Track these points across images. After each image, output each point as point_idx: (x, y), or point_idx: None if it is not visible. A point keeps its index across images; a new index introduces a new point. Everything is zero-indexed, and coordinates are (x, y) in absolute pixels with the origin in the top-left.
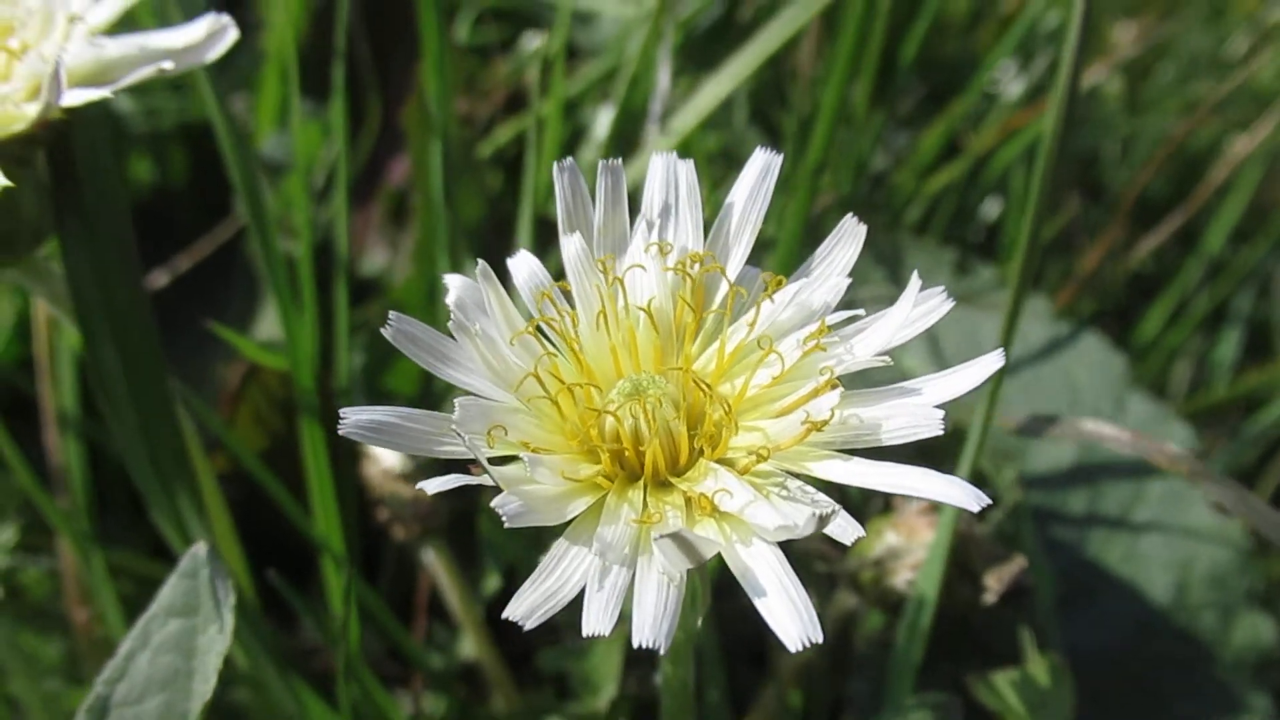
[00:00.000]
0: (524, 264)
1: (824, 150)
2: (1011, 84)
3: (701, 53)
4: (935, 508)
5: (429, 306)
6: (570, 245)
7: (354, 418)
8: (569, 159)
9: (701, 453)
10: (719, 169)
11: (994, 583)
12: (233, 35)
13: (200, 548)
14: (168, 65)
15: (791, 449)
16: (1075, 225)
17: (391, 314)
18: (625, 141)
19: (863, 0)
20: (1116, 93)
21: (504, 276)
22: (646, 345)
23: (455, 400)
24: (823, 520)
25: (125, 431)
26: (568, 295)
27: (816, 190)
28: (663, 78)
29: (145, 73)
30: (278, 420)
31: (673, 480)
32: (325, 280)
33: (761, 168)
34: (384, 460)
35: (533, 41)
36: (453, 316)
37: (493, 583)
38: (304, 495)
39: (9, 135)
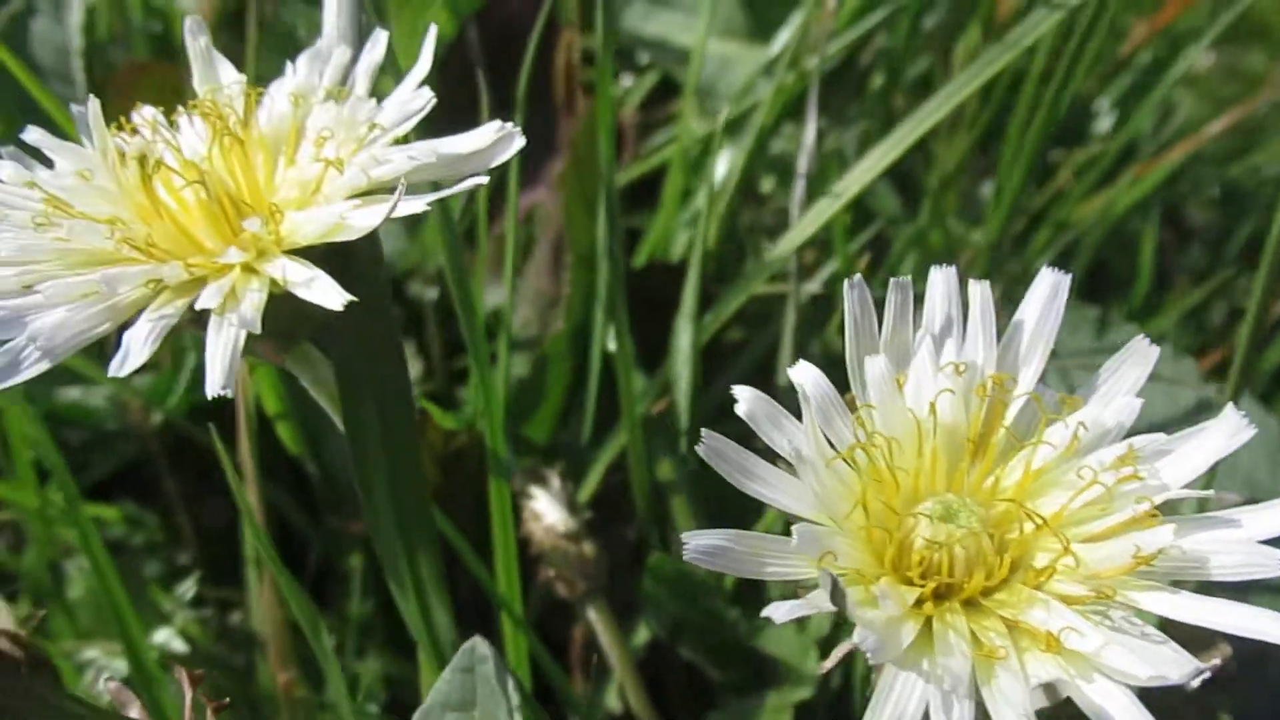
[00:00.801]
0: (809, 376)
1: (1006, 217)
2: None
3: (824, 99)
4: None
5: (576, 359)
6: (875, 366)
7: (694, 543)
8: (857, 276)
9: (1009, 574)
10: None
11: None
12: (519, 142)
13: (480, 644)
14: (462, 171)
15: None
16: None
17: (704, 432)
18: (747, 190)
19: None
20: None
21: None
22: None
23: (794, 528)
24: (1200, 674)
25: (381, 520)
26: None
27: (960, 245)
28: (809, 132)
29: (440, 177)
30: (435, 474)
31: (984, 602)
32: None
33: (1051, 286)
34: (547, 517)
35: (627, 82)
36: (759, 431)
37: (641, 636)
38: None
39: (324, 242)
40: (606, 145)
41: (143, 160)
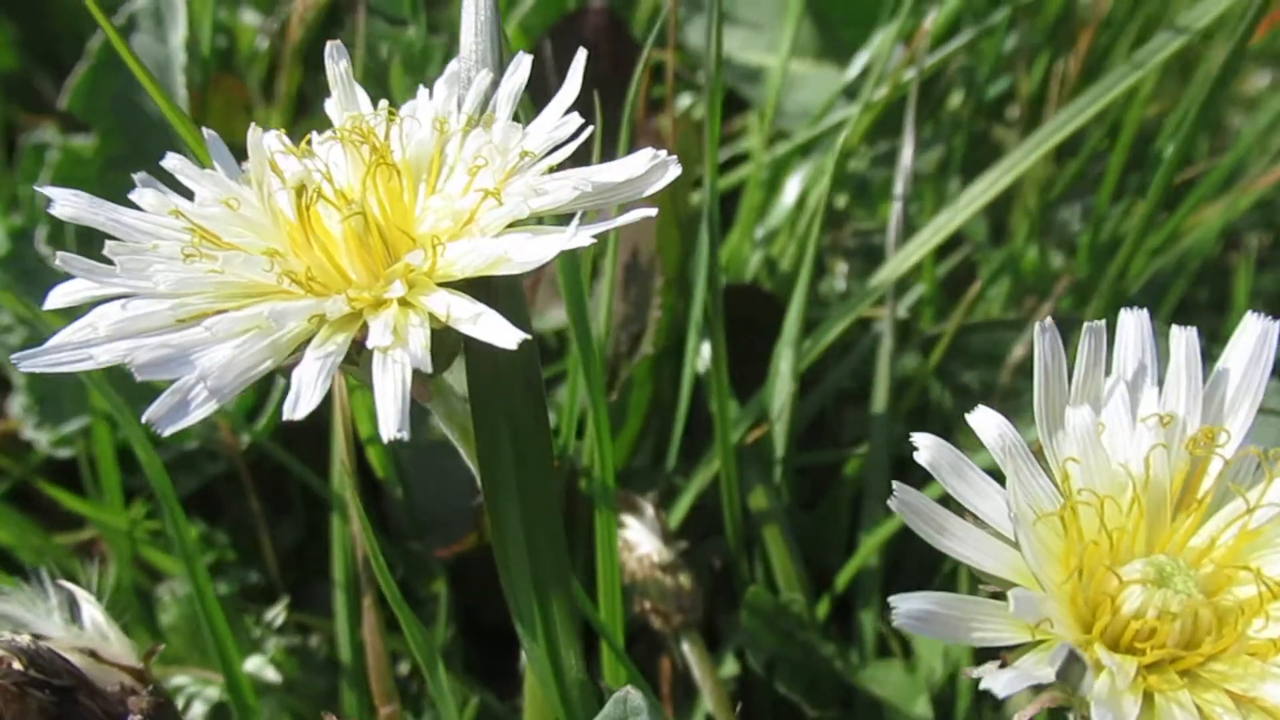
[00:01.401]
0: (992, 422)
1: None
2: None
3: (887, 125)
4: None
5: (662, 383)
6: (1079, 418)
7: (903, 607)
8: (1048, 320)
9: (1231, 642)
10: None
11: None
12: (675, 170)
13: (633, 693)
14: (613, 200)
15: None
16: None
17: (896, 485)
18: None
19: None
20: None
21: None
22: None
23: (1011, 594)
24: None
25: (511, 556)
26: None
27: (1054, 277)
28: (905, 154)
29: (592, 206)
30: None
31: (1203, 673)
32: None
33: (1258, 335)
34: (641, 547)
35: (687, 102)
36: (942, 482)
37: (729, 668)
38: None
39: (489, 275)
40: (712, 171)
41: (301, 190)
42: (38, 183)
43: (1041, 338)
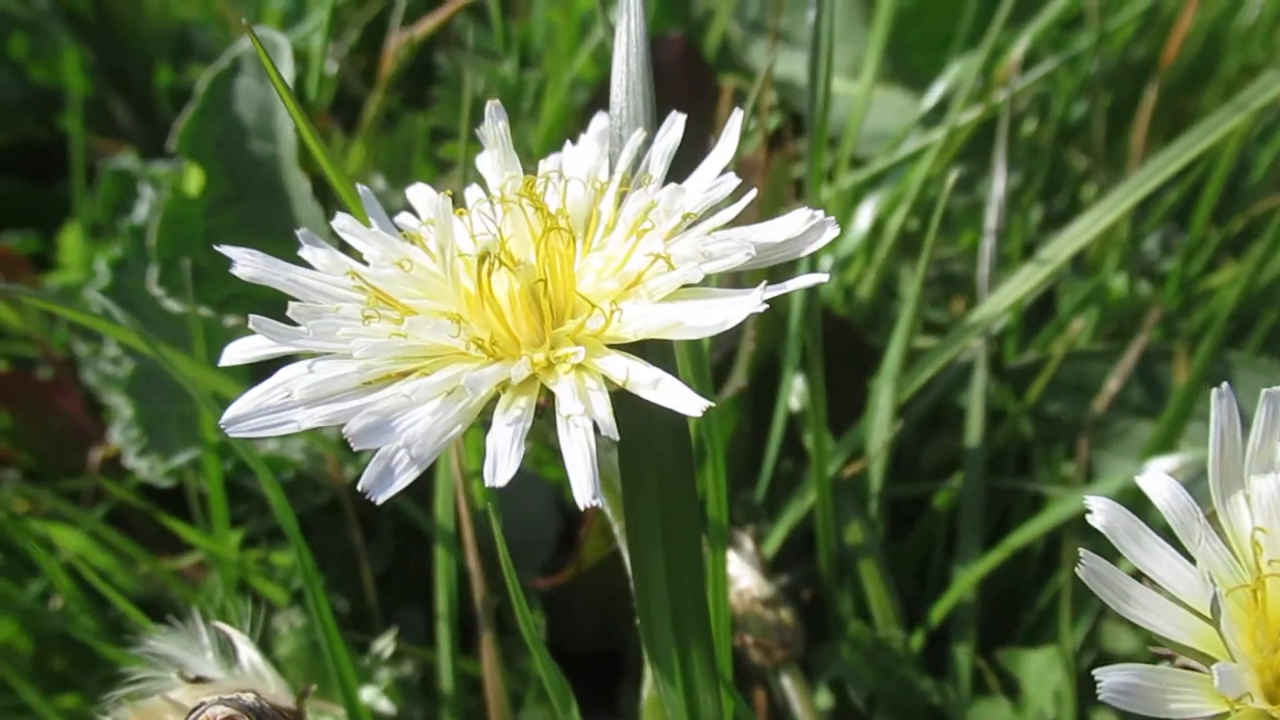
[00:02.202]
0: (1164, 485)
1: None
2: None
3: (970, 147)
4: None
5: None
6: (1267, 486)
7: (1109, 680)
8: (1225, 385)
9: None
10: None
11: None
12: (833, 231)
13: None
14: (771, 260)
15: None
16: None
17: (1083, 553)
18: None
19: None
20: None
21: None
22: None
23: (1214, 668)
24: None
25: (652, 599)
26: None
27: (1139, 308)
28: (998, 185)
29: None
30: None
31: None
32: None
33: None
34: (742, 581)
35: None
36: (1119, 546)
37: (823, 699)
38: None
39: (653, 339)
40: (815, 201)
41: (484, 257)
42: (140, 218)
43: (1219, 403)
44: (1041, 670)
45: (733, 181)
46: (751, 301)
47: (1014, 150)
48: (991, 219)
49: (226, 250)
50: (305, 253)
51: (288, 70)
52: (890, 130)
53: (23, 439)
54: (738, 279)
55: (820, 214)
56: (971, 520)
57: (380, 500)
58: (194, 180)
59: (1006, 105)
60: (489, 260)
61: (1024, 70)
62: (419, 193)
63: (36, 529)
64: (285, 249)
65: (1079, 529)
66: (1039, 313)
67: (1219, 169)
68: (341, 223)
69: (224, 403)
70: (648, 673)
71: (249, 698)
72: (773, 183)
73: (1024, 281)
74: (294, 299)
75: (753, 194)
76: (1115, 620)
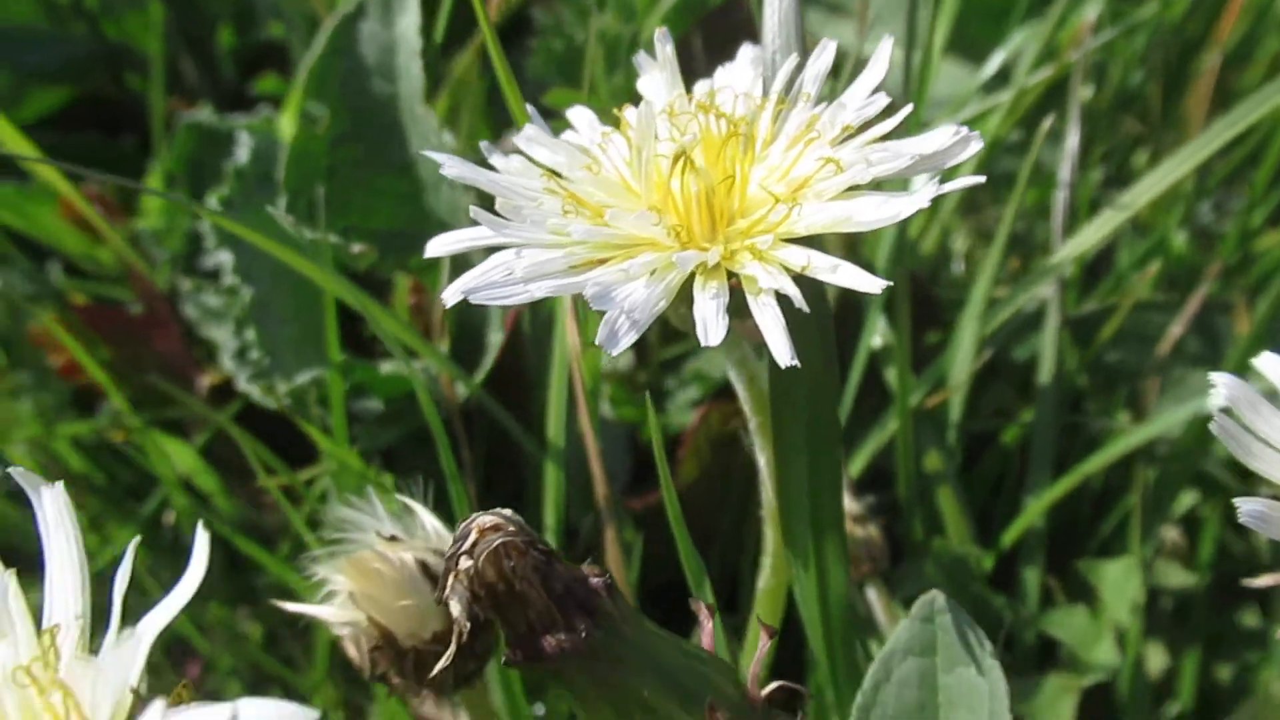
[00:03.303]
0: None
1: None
2: None
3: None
4: None
5: None
6: None
7: (1246, 507)
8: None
9: None
10: None
11: None
12: (977, 145)
13: (939, 596)
14: (920, 171)
15: None
16: None
17: (1218, 396)
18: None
19: None
20: None
21: None
22: None
23: None
24: None
25: (794, 504)
26: None
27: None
28: (1071, 140)
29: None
30: (708, 455)
31: None
32: None
33: None
34: None
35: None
36: (1242, 416)
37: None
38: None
39: (827, 233)
40: None
41: (679, 155)
42: (242, 160)
43: None
44: (1119, 579)
45: (884, 100)
46: (921, 198)
47: (1063, 119)
48: (1065, 171)
49: (435, 155)
50: (498, 160)
51: (409, 18)
52: (949, 98)
53: (120, 372)
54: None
55: (965, 130)
56: (1043, 451)
57: (615, 352)
58: (320, 118)
59: (1079, 63)
60: (682, 160)
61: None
62: (579, 114)
63: (156, 442)
64: (403, 182)
65: (1145, 458)
66: (1092, 274)
67: None
68: (529, 132)
69: (352, 320)
70: (765, 565)
71: (509, 512)
72: None
73: (1104, 225)
74: (496, 198)
75: (908, 109)
76: (1167, 557)
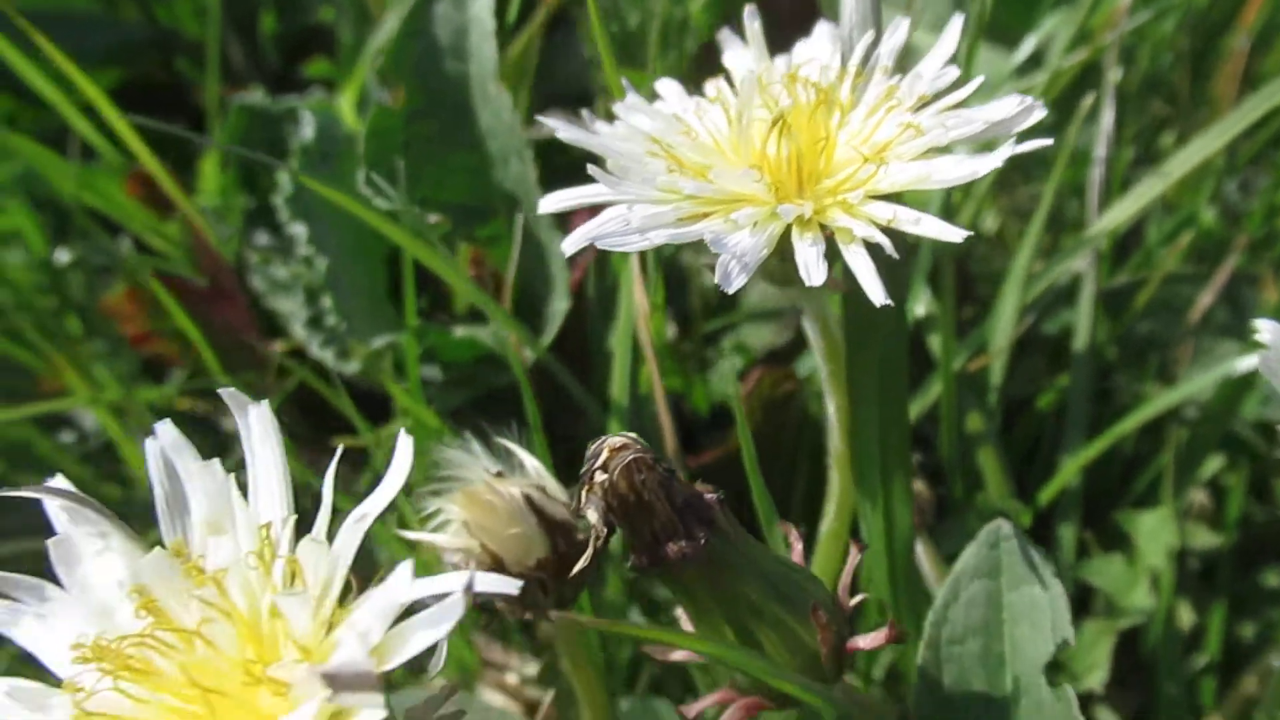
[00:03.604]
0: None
1: None
2: None
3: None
4: None
5: None
6: None
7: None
8: None
9: None
10: None
11: None
12: (1040, 113)
13: (1004, 524)
14: (988, 138)
15: None
16: None
17: (1260, 333)
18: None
19: None
20: None
21: None
22: None
23: None
24: None
25: (865, 444)
26: None
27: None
28: (1106, 118)
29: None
30: (760, 417)
31: None
32: None
33: None
34: None
35: None
36: None
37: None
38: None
39: (907, 191)
40: None
41: (778, 119)
42: (308, 138)
43: None
44: (1154, 527)
45: (955, 72)
46: (997, 158)
47: (1103, 96)
48: (1101, 148)
49: (547, 120)
50: (601, 127)
51: (482, 1)
52: (984, 83)
53: (186, 342)
54: None
55: (1029, 99)
56: (1078, 413)
57: (731, 290)
58: (397, 96)
59: (1114, 43)
60: (780, 123)
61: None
62: (668, 86)
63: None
64: (472, 157)
65: (1175, 422)
66: (1121, 251)
67: None
68: (630, 101)
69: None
70: (829, 510)
71: (633, 435)
72: None
73: (1141, 196)
74: (603, 159)
75: (979, 80)
76: (1195, 520)
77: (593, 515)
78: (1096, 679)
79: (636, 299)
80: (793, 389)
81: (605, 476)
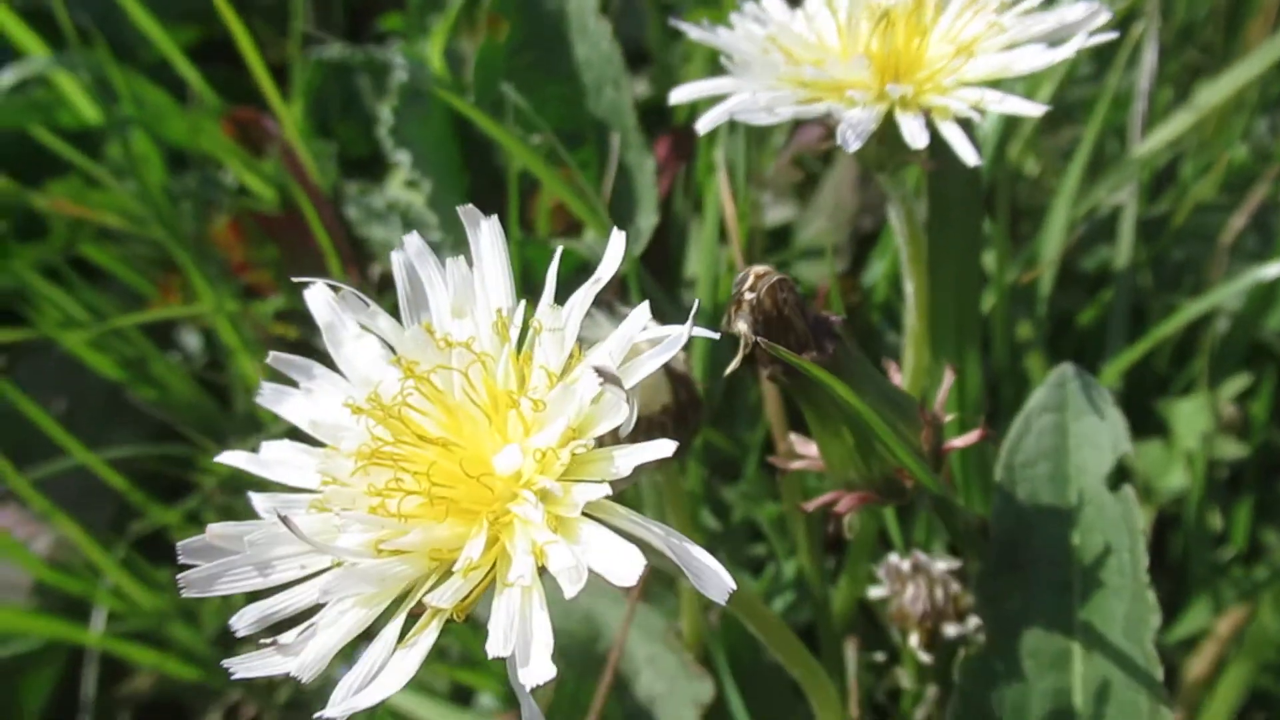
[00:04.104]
0: None
1: None
2: None
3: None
4: None
5: None
6: None
7: None
8: None
9: None
10: None
11: None
12: (1105, 15)
13: (1068, 368)
14: (1059, 36)
15: None
16: None
17: None
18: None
19: None
20: None
21: None
22: None
23: None
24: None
25: (941, 310)
26: None
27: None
28: (1149, 54)
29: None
30: None
31: None
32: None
33: None
34: None
35: None
36: None
37: None
38: None
39: (989, 80)
40: None
41: (883, 16)
42: (403, 78)
43: None
44: (1191, 414)
45: None
46: (1070, 48)
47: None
48: (1145, 82)
49: (682, 25)
50: (722, 30)
51: None
52: None
53: (286, 270)
54: None
55: (1097, 3)
56: (1119, 324)
57: (851, 149)
58: (500, 29)
59: None
60: (883, 20)
61: None
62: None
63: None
64: (567, 87)
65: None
66: (1157, 188)
67: None
68: (749, 9)
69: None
70: (903, 382)
71: (770, 266)
72: None
73: (1180, 123)
74: (731, 56)
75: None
76: (1225, 430)
77: (742, 325)
78: None
79: (724, 202)
80: (858, 300)
81: (753, 295)
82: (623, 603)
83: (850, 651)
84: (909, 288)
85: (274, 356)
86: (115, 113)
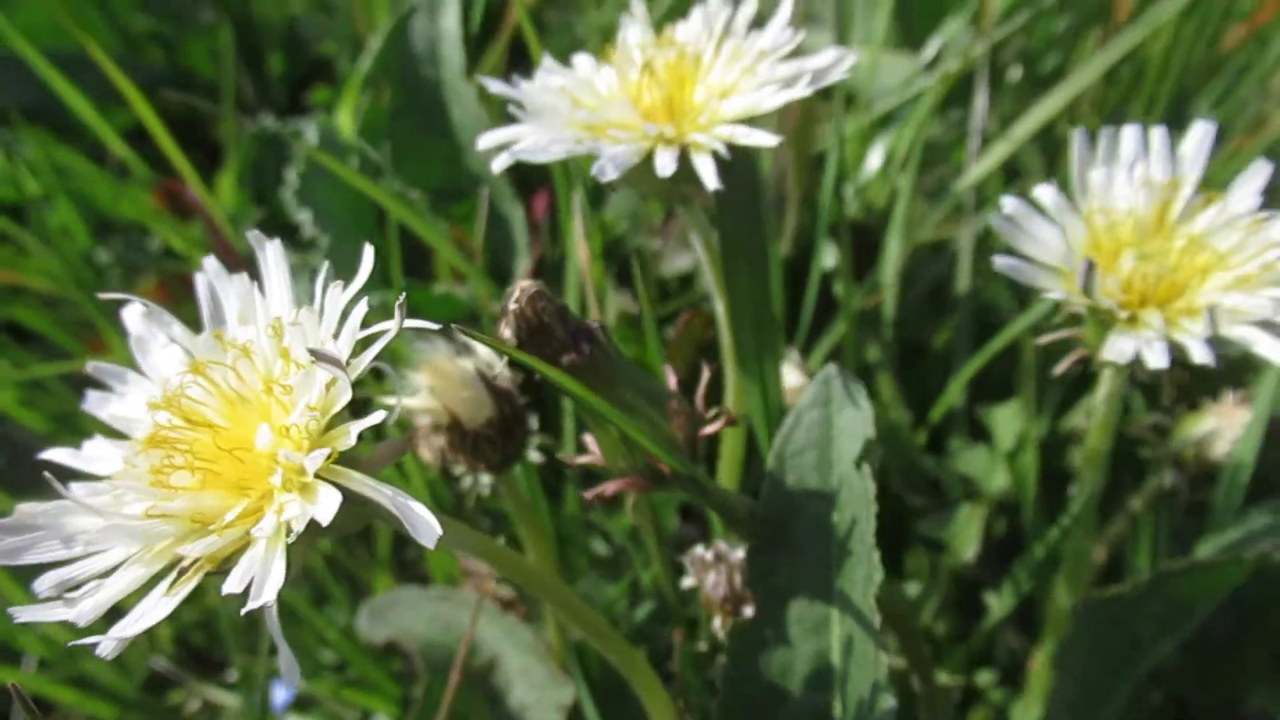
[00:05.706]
0: (1050, 192)
1: None
2: None
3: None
4: (1250, 397)
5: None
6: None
7: (1001, 262)
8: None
9: None
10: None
11: None
12: (852, 60)
13: (831, 368)
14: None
15: None
16: None
17: (995, 220)
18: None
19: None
20: None
21: None
22: None
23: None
24: None
25: (742, 323)
26: None
27: None
28: (980, 99)
29: (795, 95)
30: (692, 355)
31: None
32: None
33: None
34: (790, 380)
35: None
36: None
37: None
38: None
39: (746, 117)
40: (838, 121)
41: (646, 67)
42: (313, 140)
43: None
44: (1008, 417)
45: (791, 34)
46: (799, 90)
47: (1000, 94)
48: (977, 122)
49: (491, 84)
50: (523, 84)
51: (451, 14)
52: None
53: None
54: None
55: (844, 50)
56: (962, 346)
57: (605, 180)
58: (384, 95)
59: (986, 50)
60: (647, 71)
61: (1002, 24)
62: (581, 59)
63: None
64: (446, 146)
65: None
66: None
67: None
68: (546, 65)
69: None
70: (729, 400)
71: (540, 282)
72: (805, 107)
73: (998, 154)
74: (523, 105)
75: (801, 36)
76: (1081, 412)
77: (506, 333)
78: (970, 551)
79: (579, 252)
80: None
81: (516, 306)
82: (499, 620)
83: (676, 639)
84: (718, 308)
85: (92, 365)
86: (34, 186)
